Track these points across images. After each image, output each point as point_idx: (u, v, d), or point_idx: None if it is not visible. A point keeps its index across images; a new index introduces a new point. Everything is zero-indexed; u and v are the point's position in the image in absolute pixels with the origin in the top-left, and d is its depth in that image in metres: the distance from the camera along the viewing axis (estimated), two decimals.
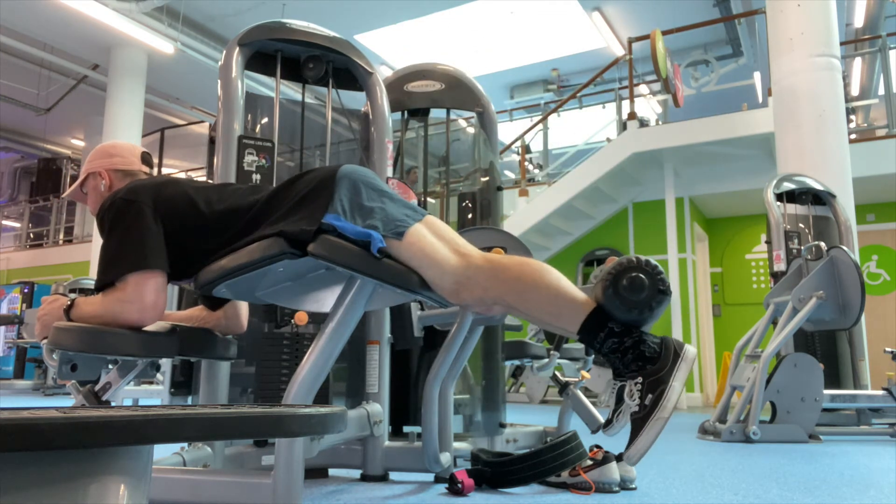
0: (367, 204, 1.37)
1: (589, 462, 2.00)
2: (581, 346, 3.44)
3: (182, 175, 12.11)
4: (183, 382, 2.31)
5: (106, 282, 1.46)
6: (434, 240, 1.40)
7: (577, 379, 2.91)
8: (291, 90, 7.25)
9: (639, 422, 1.32)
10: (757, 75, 9.75)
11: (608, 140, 7.05)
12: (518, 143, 8.06)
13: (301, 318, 1.99)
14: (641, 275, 1.33)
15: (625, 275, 1.34)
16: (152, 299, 1.45)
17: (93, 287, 1.56)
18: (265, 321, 2.15)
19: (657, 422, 1.29)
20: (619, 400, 1.36)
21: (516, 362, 3.11)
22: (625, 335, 1.34)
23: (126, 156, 1.76)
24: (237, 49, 2.16)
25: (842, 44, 5.79)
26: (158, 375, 1.88)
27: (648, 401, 1.31)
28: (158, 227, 1.49)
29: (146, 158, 1.79)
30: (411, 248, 1.37)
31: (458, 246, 1.42)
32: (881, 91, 6.81)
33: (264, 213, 1.44)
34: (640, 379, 1.33)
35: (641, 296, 1.32)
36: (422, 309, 2.19)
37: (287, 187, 1.45)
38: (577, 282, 7.24)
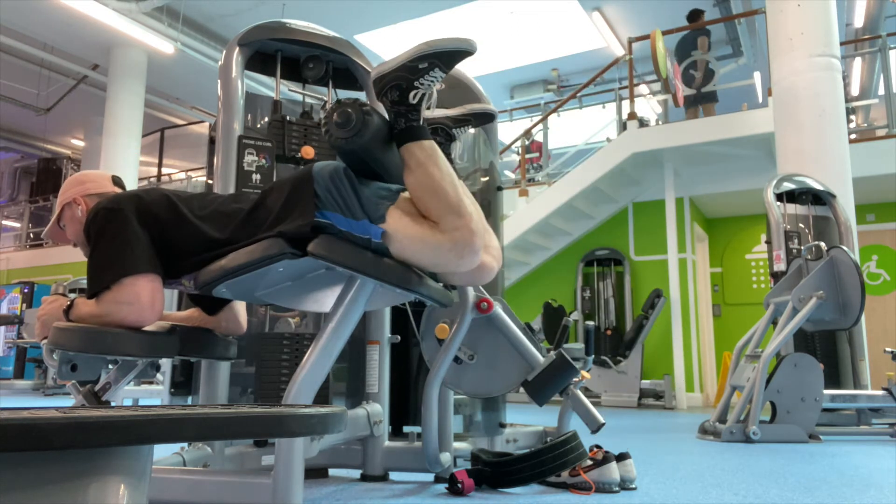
0: (346, 195, 1.38)
1: (589, 462, 2.00)
2: (581, 345, 3.44)
3: (182, 175, 12.12)
4: (183, 382, 2.31)
5: (100, 287, 1.46)
6: (413, 222, 1.40)
7: (577, 379, 2.90)
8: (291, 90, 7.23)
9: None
10: (757, 75, 9.75)
11: (608, 140, 7.05)
12: (518, 143, 8.07)
13: (307, 151, 2.13)
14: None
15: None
16: (149, 300, 1.46)
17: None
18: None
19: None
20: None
21: None
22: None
23: (97, 180, 1.76)
24: (237, 49, 2.16)
25: (842, 44, 5.79)
26: (158, 375, 1.88)
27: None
28: (144, 231, 1.50)
29: (118, 181, 1.79)
30: (398, 233, 1.38)
31: (429, 215, 1.41)
32: (881, 91, 6.80)
33: (251, 222, 1.45)
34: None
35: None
36: None
37: (267, 195, 1.46)
38: (577, 282, 7.25)
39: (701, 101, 6.85)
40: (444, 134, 1.70)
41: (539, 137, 8.73)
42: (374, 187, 1.44)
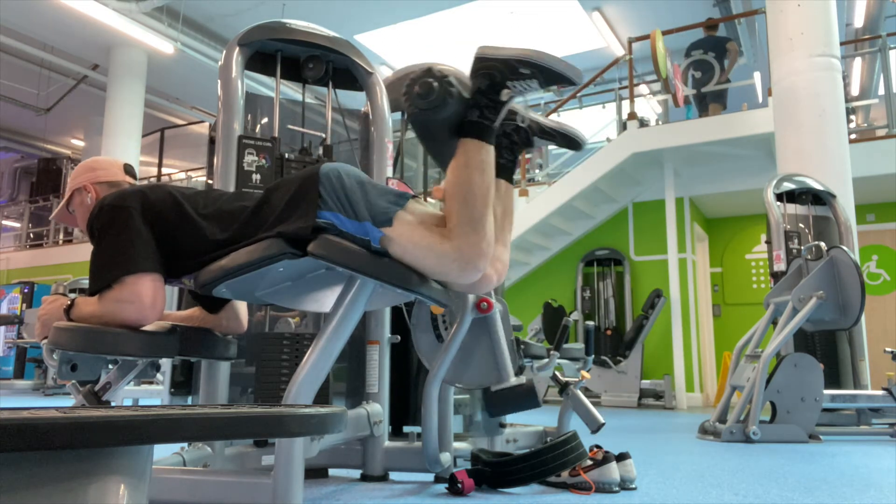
0: (352, 197, 1.38)
1: (589, 462, 2.00)
2: (581, 345, 3.44)
3: (182, 175, 12.11)
4: (183, 382, 2.31)
5: (101, 285, 1.46)
6: (421, 228, 1.40)
7: (577, 379, 2.90)
8: (291, 90, 7.23)
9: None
10: (757, 75, 9.75)
11: (608, 140, 7.05)
12: None
13: None
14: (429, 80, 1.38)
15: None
16: (150, 299, 1.45)
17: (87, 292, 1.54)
18: None
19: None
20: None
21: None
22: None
23: (109, 168, 1.76)
24: (237, 49, 2.16)
25: (842, 44, 5.79)
26: (158, 375, 1.88)
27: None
28: (148, 230, 1.49)
29: (129, 170, 1.79)
30: (402, 238, 1.37)
31: (449, 217, 1.40)
32: (881, 91, 6.80)
33: (255, 220, 1.45)
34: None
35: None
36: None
37: (272, 193, 1.46)
38: (577, 282, 7.24)
39: (712, 101, 6.85)
40: (523, 137, 1.64)
41: None
42: (383, 191, 1.43)
